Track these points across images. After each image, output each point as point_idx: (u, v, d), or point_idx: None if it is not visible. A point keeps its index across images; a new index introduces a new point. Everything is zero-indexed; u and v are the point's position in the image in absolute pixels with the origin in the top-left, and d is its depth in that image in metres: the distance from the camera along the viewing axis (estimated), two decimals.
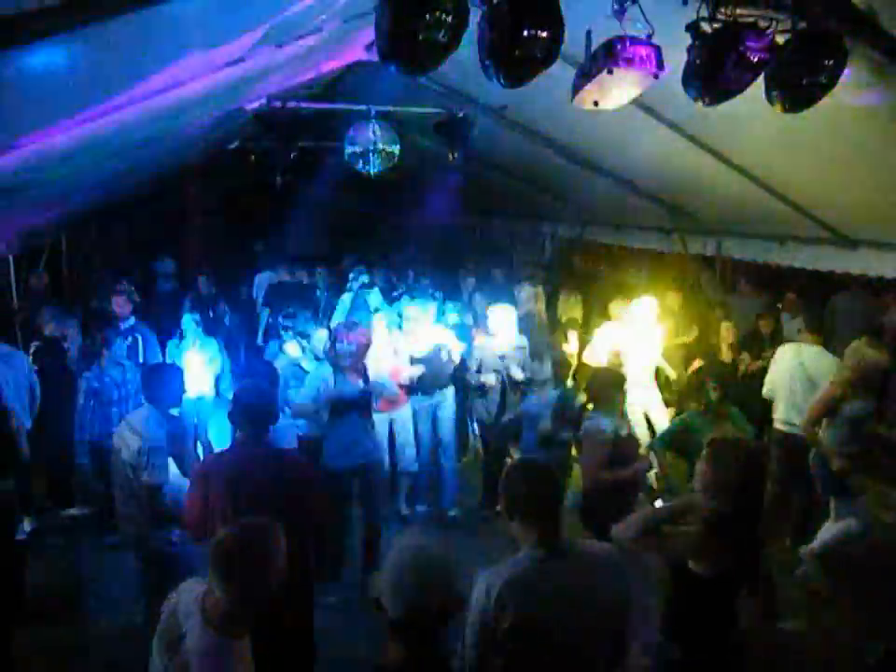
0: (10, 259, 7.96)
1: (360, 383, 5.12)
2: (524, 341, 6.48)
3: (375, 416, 5.59)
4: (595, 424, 4.35)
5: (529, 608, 2.22)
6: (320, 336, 6.10)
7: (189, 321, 6.84)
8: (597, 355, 6.52)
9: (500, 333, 6.31)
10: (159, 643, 2.24)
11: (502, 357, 6.23)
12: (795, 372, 5.36)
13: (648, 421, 6.61)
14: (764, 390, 5.69)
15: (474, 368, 6.30)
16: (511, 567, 2.30)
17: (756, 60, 3.04)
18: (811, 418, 4.78)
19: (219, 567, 2.10)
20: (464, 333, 6.87)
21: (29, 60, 2.41)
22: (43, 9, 1.96)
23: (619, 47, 3.08)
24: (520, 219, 12.03)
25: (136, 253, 12.79)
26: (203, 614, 2.14)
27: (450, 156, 6.35)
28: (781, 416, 5.49)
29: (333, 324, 6.98)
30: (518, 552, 2.35)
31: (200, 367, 6.17)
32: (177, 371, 4.53)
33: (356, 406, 5.05)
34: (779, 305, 7.56)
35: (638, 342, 6.60)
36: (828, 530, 4.80)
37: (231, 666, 2.11)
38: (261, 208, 14.08)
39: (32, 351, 6.65)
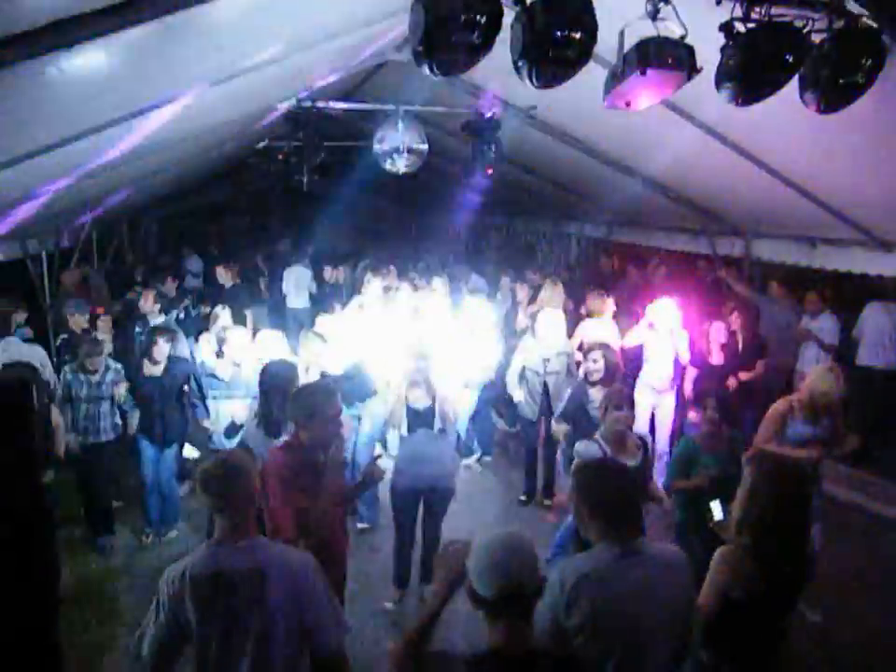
0: (43, 255, 8.12)
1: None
2: (566, 345, 6.34)
3: None
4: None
5: (603, 604, 2.23)
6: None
7: None
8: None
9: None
10: None
11: (546, 360, 6.15)
12: (882, 323, 6.81)
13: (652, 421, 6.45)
14: (853, 332, 7.00)
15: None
16: (587, 561, 2.32)
17: (791, 60, 3.01)
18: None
19: (210, 489, 2.39)
20: None
21: (71, 61, 2.46)
22: (87, 13, 2.01)
23: (652, 47, 3.06)
24: (547, 219, 12.02)
25: (166, 250, 12.98)
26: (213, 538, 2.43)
27: (483, 155, 6.32)
28: (864, 354, 6.89)
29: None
30: (592, 548, 2.37)
31: None
32: None
33: (423, 421, 4.68)
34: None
35: (659, 344, 6.44)
36: None
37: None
38: (289, 207, 14.18)
39: (57, 344, 6.75)
